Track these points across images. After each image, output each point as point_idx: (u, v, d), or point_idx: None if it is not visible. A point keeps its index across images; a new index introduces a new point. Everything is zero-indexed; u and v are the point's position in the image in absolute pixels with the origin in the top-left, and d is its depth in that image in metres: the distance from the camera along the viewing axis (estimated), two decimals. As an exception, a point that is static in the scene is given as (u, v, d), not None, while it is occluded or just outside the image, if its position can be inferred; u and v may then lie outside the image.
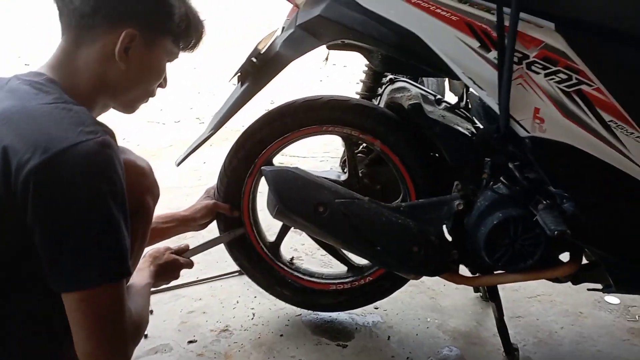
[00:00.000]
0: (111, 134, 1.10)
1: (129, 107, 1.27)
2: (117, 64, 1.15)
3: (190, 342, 1.70)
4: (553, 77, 1.31)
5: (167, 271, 1.55)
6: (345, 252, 1.78)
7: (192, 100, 4.13)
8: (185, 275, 1.99)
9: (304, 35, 1.50)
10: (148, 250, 1.52)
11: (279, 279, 1.75)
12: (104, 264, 1.04)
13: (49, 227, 1.01)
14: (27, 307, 1.11)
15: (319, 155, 3.21)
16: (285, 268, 1.76)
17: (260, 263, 1.74)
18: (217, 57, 5.06)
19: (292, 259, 1.80)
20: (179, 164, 1.65)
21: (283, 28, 1.60)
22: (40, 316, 1.13)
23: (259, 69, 1.56)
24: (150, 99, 1.30)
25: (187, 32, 1.25)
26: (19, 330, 1.12)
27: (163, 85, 1.29)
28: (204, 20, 1.29)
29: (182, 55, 1.29)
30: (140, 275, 1.43)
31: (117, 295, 1.06)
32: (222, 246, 1.76)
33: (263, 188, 1.58)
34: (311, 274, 1.77)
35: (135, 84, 1.22)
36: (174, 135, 3.56)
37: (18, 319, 1.11)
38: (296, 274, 1.76)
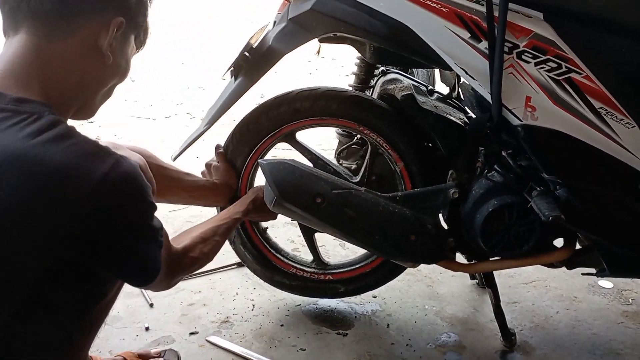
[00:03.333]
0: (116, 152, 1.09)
1: (93, 110, 1.14)
2: (100, 58, 1.04)
3: (191, 333, 1.71)
4: (543, 65, 1.33)
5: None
6: (317, 244, 1.81)
7: (181, 95, 4.13)
8: (184, 269, 2.01)
9: (296, 29, 1.52)
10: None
11: (250, 243, 1.77)
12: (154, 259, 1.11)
13: (109, 244, 1.02)
14: (38, 336, 1.11)
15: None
16: (257, 235, 1.78)
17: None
18: (205, 53, 5.05)
19: (266, 228, 1.82)
20: (174, 159, 1.66)
21: (274, 22, 1.61)
22: (52, 343, 1.13)
23: (252, 63, 1.58)
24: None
25: (146, 30, 1.16)
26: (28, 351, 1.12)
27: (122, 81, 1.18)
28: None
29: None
30: (233, 206, 1.60)
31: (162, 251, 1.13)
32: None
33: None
34: (278, 250, 1.80)
35: (109, 80, 1.11)
36: (165, 130, 3.56)
37: (28, 350, 1.11)
38: (264, 243, 1.79)
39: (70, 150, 0.93)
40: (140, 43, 1.16)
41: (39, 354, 1.07)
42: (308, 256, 1.85)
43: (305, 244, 1.83)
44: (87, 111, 1.12)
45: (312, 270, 1.79)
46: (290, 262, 1.80)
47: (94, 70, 1.05)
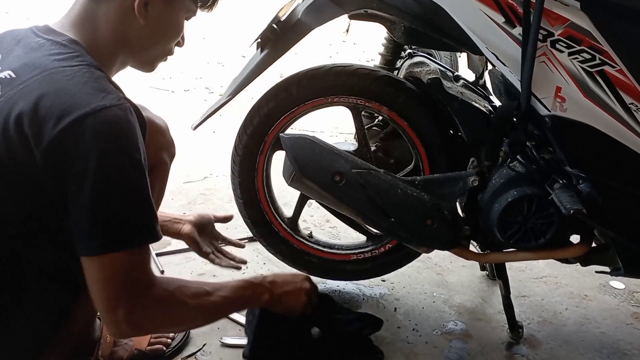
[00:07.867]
0: (131, 103, 1.11)
1: (148, 65, 1.26)
2: (136, 19, 1.15)
3: (200, 304, 1.71)
4: (577, 56, 1.31)
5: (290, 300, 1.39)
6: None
7: (200, 70, 4.11)
8: (196, 240, 2.01)
9: (327, 3, 1.50)
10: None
11: (301, 253, 1.77)
12: (125, 230, 1.04)
13: (73, 192, 1.01)
14: (44, 260, 1.13)
15: (327, 130, 3.21)
16: (305, 242, 1.78)
17: (279, 238, 1.76)
18: (226, 28, 5.02)
19: (310, 233, 1.82)
20: (195, 128, 1.65)
21: (305, -5, 1.59)
22: (57, 269, 1.15)
23: (279, 36, 1.56)
24: (162, 62, 1.29)
25: None
26: (35, 283, 1.14)
27: (181, 44, 1.28)
28: None
29: (200, 14, 1.27)
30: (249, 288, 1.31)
31: (137, 261, 1.06)
32: (232, 212, 1.78)
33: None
34: (331, 246, 1.79)
35: (155, 41, 1.21)
36: (183, 103, 3.56)
37: (34, 273, 1.13)
38: (315, 247, 1.78)
39: (85, 82, 1.04)
40: (204, 4, 1.24)
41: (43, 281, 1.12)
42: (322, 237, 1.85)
43: (316, 226, 1.81)
44: (141, 66, 1.25)
45: (370, 248, 1.78)
46: (347, 252, 1.78)
47: (134, 31, 1.17)
